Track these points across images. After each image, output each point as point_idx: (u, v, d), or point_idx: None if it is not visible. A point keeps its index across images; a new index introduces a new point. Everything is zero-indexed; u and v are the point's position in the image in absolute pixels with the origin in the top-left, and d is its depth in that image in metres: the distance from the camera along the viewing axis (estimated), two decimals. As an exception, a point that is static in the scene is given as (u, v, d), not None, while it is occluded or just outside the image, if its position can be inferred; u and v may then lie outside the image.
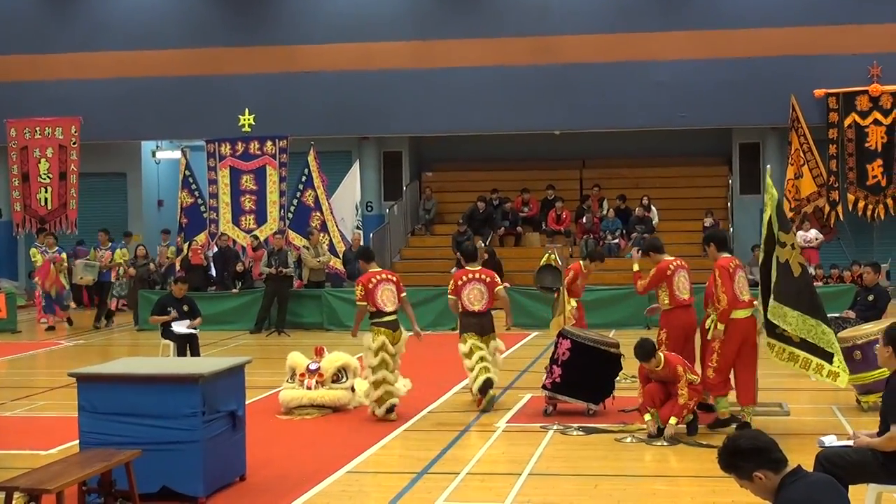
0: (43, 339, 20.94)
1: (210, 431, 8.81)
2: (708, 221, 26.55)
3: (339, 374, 13.02)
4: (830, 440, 7.32)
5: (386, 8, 27.71)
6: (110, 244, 24.04)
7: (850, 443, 7.23)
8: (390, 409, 12.26)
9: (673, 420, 10.76)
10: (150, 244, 25.94)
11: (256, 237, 23.75)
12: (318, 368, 12.91)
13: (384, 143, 29.65)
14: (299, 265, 23.00)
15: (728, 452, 5.29)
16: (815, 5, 25.99)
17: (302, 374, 12.92)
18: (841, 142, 25.47)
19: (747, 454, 5.22)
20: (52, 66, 28.30)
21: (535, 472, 9.76)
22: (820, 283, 22.30)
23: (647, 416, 10.94)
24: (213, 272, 24.23)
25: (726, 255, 11.58)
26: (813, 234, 24.90)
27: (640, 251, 12.86)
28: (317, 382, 12.81)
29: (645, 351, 10.93)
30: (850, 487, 7.11)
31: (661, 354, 10.95)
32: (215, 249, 23.96)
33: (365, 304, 12.37)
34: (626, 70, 26.33)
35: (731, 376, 11.32)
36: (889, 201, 25.26)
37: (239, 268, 23.19)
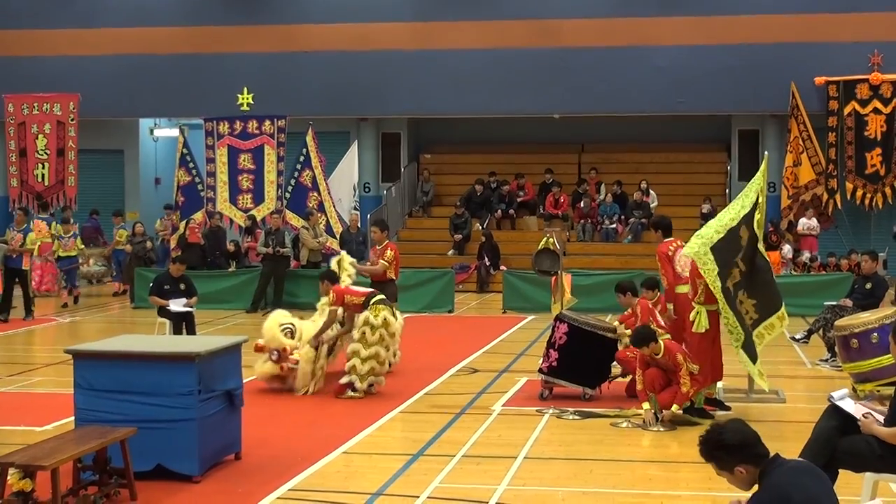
0: (39, 316, 20.87)
1: (206, 410, 8.78)
2: (706, 208, 26.48)
3: (289, 331, 12.99)
4: (841, 394, 7.19)
5: (386, -12, 27.64)
6: (24, 226, 21.01)
7: (860, 410, 7.10)
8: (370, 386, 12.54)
9: (675, 407, 10.77)
10: (148, 222, 25.82)
11: (252, 217, 23.70)
12: (278, 351, 12.81)
13: (383, 124, 29.58)
14: (296, 245, 22.95)
15: (712, 444, 5.27)
16: (817, -7, 25.94)
17: (282, 368, 12.84)
18: (840, 130, 25.42)
19: (732, 449, 5.23)
20: (51, 42, 28.17)
21: (531, 456, 9.76)
22: (823, 273, 22.40)
23: (646, 406, 10.91)
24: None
25: (670, 238, 12.23)
26: (814, 222, 24.85)
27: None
28: (293, 355, 12.76)
29: (642, 337, 10.91)
30: (848, 475, 7.14)
31: (660, 342, 10.92)
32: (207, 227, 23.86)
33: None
34: (626, 55, 26.26)
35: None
36: (887, 190, 25.23)
37: (230, 247, 23.11)
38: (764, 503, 5.07)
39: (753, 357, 11.30)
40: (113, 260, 24.71)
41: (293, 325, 13.11)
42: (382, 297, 12.74)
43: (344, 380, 12.46)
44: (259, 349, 12.98)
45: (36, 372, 14.48)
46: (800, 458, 5.71)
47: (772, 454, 5.28)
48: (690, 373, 10.82)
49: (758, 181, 11.78)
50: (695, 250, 11.13)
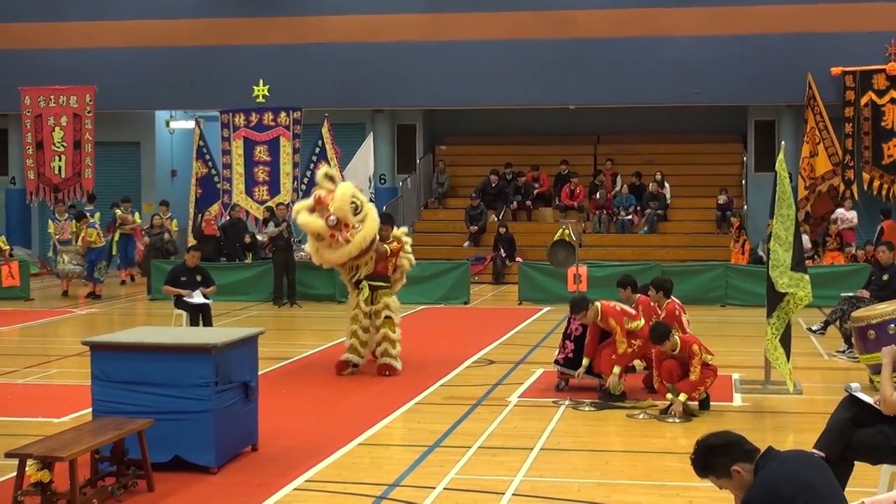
0: (56, 308, 20.96)
1: (222, 402, 8.79)
2: (722, 199, 26.43)
3: (356, 207, 12.96)
4: (857, 386, 7.23)
5: (400, -21, 27.60)
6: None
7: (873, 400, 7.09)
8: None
9: (682, 396, 10.75)
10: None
11: (270, 209, 23.71)
12: (338, 221, 12.72)
13: (398, 115, 29.55)
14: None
15: (702, 453, 5.23)
16: (834, -18, 25.79)
17: (332, 236, 12.79)
18: (857, 120, 25.30)
19: (721, 450, 5.17)
20: (66, 34, 28.24)
21: (547, 448, 9.74)
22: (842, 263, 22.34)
23: (669, 396, 10.91)
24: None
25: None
26: (853, 214, 24.66)
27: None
28: (349, 233, 12.78)
29: (659, 334, 10.89)
30: (864, 467, 7.13)
31: (675, 337, 10.91)
32: (226, 219, 23.89)
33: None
34: (642, 45, 26.16)
35: None
36: (904, 180, 25.12)
37: (247, 239, 23.17)
38: (755, 501, 5.00)
39: (788, 353, 11.54)
40: (86, 259, 22.98)
41: (361, 202, 13.06)
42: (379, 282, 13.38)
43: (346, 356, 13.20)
44: (319, 202, 12.87)
45: (53, 363, 14.52)
46: (796, 449, 5.65)
47: (765, 447, 5.22)
48: (704, 363, 10.82)
49: (784, 180, 11.87)
50: (784, 282, 11.48)
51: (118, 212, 25.36)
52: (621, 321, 11.45)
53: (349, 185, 13.09)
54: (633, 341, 11.46)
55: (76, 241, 23.01)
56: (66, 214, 23.55)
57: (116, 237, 25.22)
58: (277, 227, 21.95)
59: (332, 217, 12.68)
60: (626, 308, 11.80)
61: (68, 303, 21.86)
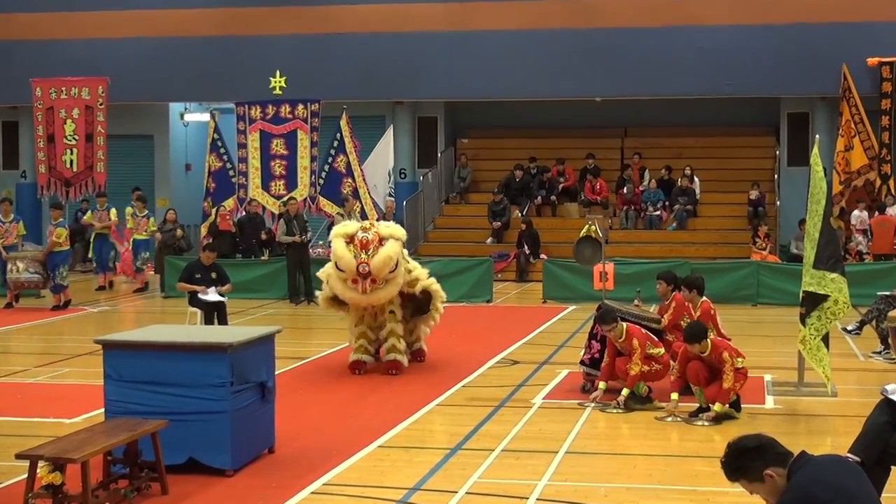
0: (73, 305, 20.76)
1: (238, 402, 8.71)
2: (754, 194, 26.05)
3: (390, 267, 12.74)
4: (894, 389, 7.07)
5: (421, -32, 27.38)
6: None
7: None
8: None
9: (718, 406, 10.56)
10: (179, 209, 25.54)
11: (285, 204, 23.48)
12: (370, 272, 12.47)
13: (419, 108, 29.32)
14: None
15: (733, 456, 5.12)
16: (870, -31, 25.41)
17: (354, 280, 12.56)
18: (894, 113, 24.95)
19: (754, 452, 5.06)
20: (79, 24, 28.16)
21: (572, 451, 9.62)
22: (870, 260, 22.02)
23: (674, 396, 10.74)
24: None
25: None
26: (895, 210, 24.27)
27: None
28: (370, 285, 12.53)
29: (694, 333, 10.67)
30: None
31: (707, 340, 10.69)
32: (242, 214, 23.67)
33: None
34: (670, 35, 25.85)
35: None
36: (942, 175, 24.72)
37: (263, 236, 22.98)
38: None
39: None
40: (49, 265, 20.09)
41: (397, 262, 12.80)
42: None
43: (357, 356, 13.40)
44: (362, 245, 12.66)
45: (65, 362, 14.42)
46: (830, 453, 5.60)
47: (798, 451, 5.10)
48: (736, 368, 10.61)
49: (816, 174, 11.62)
50: (807, 280, 11.31)
51: (88, 215, 24.70)
52: (644, 344, 11.24)
53: (396, 248, 12.71)
54: (652, 364, 11.23)
55: (21, 246, 20.71)
56: (13, 216, 21.27)
57: (92, 238, 24.68)
58: (288, 224, 21.68)
59: (364, 264, 12.49)
60: (651, 335, 11.52)
61: (78, 299, 21.58)
